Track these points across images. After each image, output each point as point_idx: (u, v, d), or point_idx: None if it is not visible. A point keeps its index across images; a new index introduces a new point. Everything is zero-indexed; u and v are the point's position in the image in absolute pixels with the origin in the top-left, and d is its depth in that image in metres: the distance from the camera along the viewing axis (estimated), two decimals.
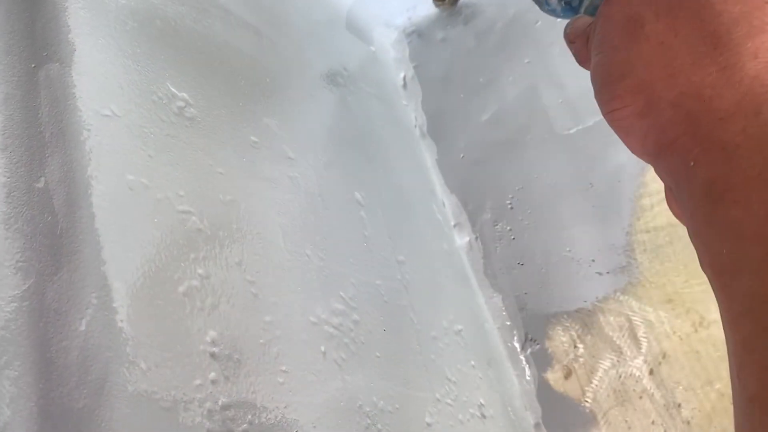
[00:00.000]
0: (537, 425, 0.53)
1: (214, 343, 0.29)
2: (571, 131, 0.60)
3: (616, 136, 0.61)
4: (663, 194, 0.54)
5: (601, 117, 0.61)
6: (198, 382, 0.27)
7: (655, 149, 0.25)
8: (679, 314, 0.54)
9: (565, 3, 0.37)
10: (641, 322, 0.54)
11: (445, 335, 0.47)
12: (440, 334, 0.46)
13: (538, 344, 0.55)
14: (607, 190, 0.58)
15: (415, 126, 0.64)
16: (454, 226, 0.60)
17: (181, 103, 0.35)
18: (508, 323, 0.56)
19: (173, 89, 0.35)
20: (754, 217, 0.20)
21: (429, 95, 0.66)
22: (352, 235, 0.43)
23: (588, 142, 0.59)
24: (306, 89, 0.48)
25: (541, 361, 0.55)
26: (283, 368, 0.32)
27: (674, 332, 0.54)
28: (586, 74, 0.66)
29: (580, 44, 0.32)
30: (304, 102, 0.46)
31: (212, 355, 0.28)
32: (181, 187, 0.32)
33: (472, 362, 0.49)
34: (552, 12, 0.39)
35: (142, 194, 0.29)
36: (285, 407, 0.30)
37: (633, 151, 0.27)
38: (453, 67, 0.66)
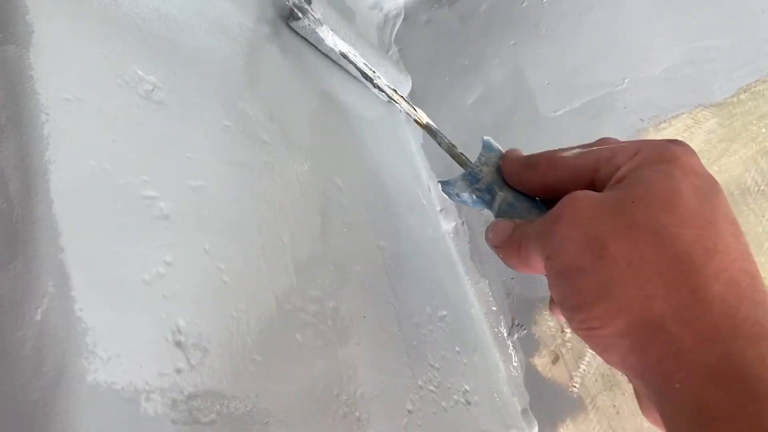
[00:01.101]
0: (524, 411, 0.53)
1: (180, 331, 0.28)
2: (558, 113, 0.59)
3: (604, 118, 0.61)
4: None
5: (589, 98, 0.62)
6: (162, 371, 0.26)
7: (637, 367, 0.25)
8: None
9: (476, 197, 0.37)
10: None
11: (428, 321, 0.46)
12: (423, 321, 0.46)
13: (525, 329, 0.55)
14: None
15: (400, 110, 0.63)
16: (440, 211, 0.60)
17: (149, 87, 0.34)
18: (495, 309, 0.56)
19: (140, 72, 0.34)
20: None
21: (414, 79, 0.65)
22: (332, 220, 0.42)
23: (575, 124, 0.58)
24: (285, 76, 0.47)
25: (528, 346, 0.54)
26: (256, 357, 0.31)
27: None
28: (573, 55, 0.65)
29: (509, 251, 0.33)
30: (281, 88, 0.45)
31: (178, 344, 0.27)
32: (146, 172, 0.31)
33: (457, 348, 0.48)
34: (462, 203, 0.39)
35: (104, 180, 0.28)
36: (256, 396, 0.29)
37: (609, 364, 0.28)
38: (438, 50, 0.65)
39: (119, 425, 0.24)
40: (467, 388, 0.46)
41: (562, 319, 0.35)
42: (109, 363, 0.24)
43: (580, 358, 0.53)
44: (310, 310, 0.36)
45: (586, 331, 0.27)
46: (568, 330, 0.54)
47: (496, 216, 0.36)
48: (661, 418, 0.25)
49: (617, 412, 0.52)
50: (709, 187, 0.27)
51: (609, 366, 0.56)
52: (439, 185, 0.39)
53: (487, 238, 0.34)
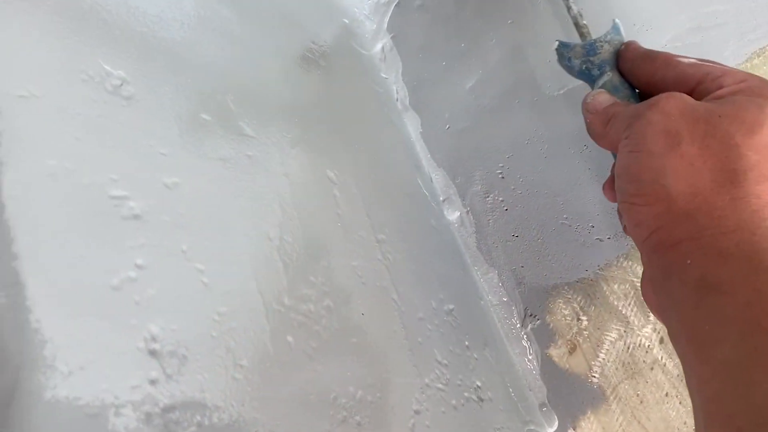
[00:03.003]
0: (542, 405, 0.50)
1: (154, 339, 0.26)
2: (561, 92, 0.56)
3: None
4: None
5: None
6: (133, 383, 0.24)
7: (657, 244, 0.30)
8: None
9: (585, 68, 0.40)
10: None
11: (434, 316, 0.44)
12: (428, 315, 0.43)
13: (538, 320, 0.52)
14: (603, 151, 0.54)
15: (396, 99, 0.61)
16: (443, 201, 0.57)
17: (117, 82, 0.32)
18: (506, 299, 0.53)
19: (107, 67, 0.32)
20: (737, 305, 0.26)
21: (409, 66, 0.62)
22: (324, 215, 0.40)
23: (579, 103, 0.55)
24: (271, 64, 0.45)
25: (543, 337, 0.52)
26: (241, 362, 0.29)
27: None
28: (574, 30, 0.62)
29: (598, 120, 0.37)
30: (265, 78, 0.43)
31: (152, 353, 0.25)
32: (114, 171, 0.29)
33: (466, 343, 0.45)
34: (568, 69, 0.42)
35: (65, 180, 0.26)
36: (242, 405, 0.27)
37: (631, 236, 0.33)
38: (432, 35, 0.62)
39: None
40: (479, 384, 0.44)
41: (611, 197, 0.40)
42: (70, 377, 0.22)
43: (598, 346, 0.50)
44: (303, 309, 0.34)
45: (630, 204, 0.31)
46: (584, 317, 0.51)
47: None
48: (661, 296, 0.30)
49: (641, 401, 0.49)
50: None
51: (629, 353, 0.53)
52: (556, 43, 0.42)
53: (584, 102, 0.38)
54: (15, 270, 0.23)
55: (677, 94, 0.32)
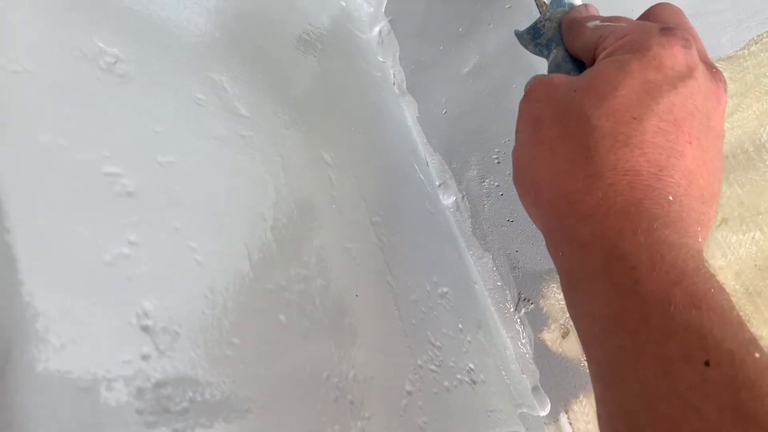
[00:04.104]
0: (535, 389, 0.50)
1: (147, 315, 0.26)
2: None
3: None
4: None
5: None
6: (126, 358, 0.24)
7: (543, 232, 0.29)
8: None
9: (539, 52, 0.39)
10: None
11: (428, 299, 0.44)
12: (422, 298, 0.43)
13: (532, 304, 0.52)
14: None
15: (393, 83, 0.61)
16: (439, 185, 0.57)
17: (111, 59, 0.32)
18: (500, 284, 0.53)
19: (101, 44, 0.32)
20: (599, 303, 0.24)
21: (406, 50, 0.62)
22: (318, 197, 0.40)
23: None
24: (267, 45, 0.44)
25: (537, 321, 0.52)
26: (233, 340, 0.29)
27: None
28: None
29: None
30: (263, 59, 0.43)
31: (144, 329, 0.25)
32: (107, 148, 0.29)
33: (460, 325, 0.46)
34: (530, 51, 0.41)
35: (58, 156, 0.26)
36: (233, 382, 0.27)
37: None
38: (430, 19, 0.62)
39: (75, 417, 0.22)
40: (472, 366, 0.44)
41: None
42: (63, 350, 0.22)
43: None
44: (296, 289, 0.34)
45: (518, 192, 0.30)
46: None
47: (549, 72, 0.36)
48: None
49: None
50: (667, 83, 0.27)
51: None
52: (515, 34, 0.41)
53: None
54: (7, 243, 0.23)
55: (544, 77, 0.31)
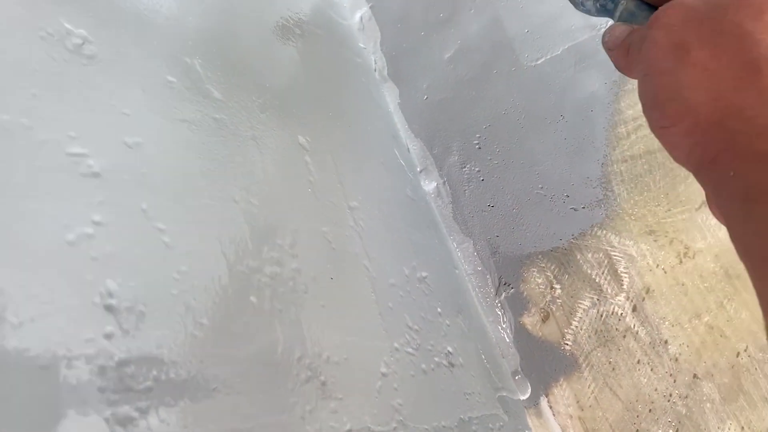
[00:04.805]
0: (515, 373, 0.50)
1: (111, 294, 0.26)
2: (539, 62, 0.56)
3: (588, 63, 0.57)
4: (639, 122, 0.51)
5: (571, 44, 0.59)
6: (88, 336, 0.24)
7: (699, 163, 0.28)
8: (662, 246, 0.50)
9: (600, 5, 0.38)
10: (621, 256, 0.51)
11: (406, 283, 0.44)
12: (400, 282, 0.43)
13: (512, 288, 0.52)
14: (580, 120, 0.54)
15: (375, 69, 0.60)
16: (420, 171, 0.57)
17: (78, 40, 0.32)
18: (480, 268, 0.53)
19: (68, 25, 0.32)
20: None
21: (387, 36, 0.62)
22: (294, 180, 0.40)
23: (557, 72, 0.55)
24: (245, 29, 0.44)
25: (517, 305, 0.52)
26: (202, 321, 0.29)
27: (657, 265, 0.50)
28: (553, 0, 0.61)
29: (619, 54, 0.35)
30: (236, 41, 0.43)
31: (108, 308, 0.25)
32: (72, 129, 0.28)
33: (439, 310, 0.46)
34: (587, 12, 0.39)
35: (21, 135, 0.26)
36: (200, 362, 0.27)
37: (677, 161, 0.31)
38: (411, 5, 0.62)
39: (33, 394, 0.22)
40: (450, 350, 0.44)
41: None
42: (20, 328, 0.22)
43: (571, 314, 0.51)
44: (268, 271, 0.34)
45: (659, 130, 0.29)
46: (557, 286, 0.51)
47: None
48: (718, 215, 0.28)
49: (613, 369, 0.50)
50: None
51: (602, 321, 0.54)
52: None
53: (603, 41, 0.36)
54: None
55: (675, 1, 0.30)
